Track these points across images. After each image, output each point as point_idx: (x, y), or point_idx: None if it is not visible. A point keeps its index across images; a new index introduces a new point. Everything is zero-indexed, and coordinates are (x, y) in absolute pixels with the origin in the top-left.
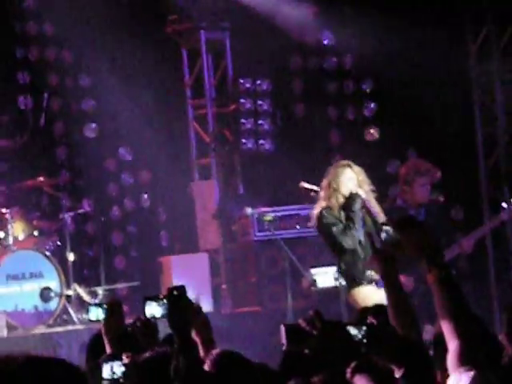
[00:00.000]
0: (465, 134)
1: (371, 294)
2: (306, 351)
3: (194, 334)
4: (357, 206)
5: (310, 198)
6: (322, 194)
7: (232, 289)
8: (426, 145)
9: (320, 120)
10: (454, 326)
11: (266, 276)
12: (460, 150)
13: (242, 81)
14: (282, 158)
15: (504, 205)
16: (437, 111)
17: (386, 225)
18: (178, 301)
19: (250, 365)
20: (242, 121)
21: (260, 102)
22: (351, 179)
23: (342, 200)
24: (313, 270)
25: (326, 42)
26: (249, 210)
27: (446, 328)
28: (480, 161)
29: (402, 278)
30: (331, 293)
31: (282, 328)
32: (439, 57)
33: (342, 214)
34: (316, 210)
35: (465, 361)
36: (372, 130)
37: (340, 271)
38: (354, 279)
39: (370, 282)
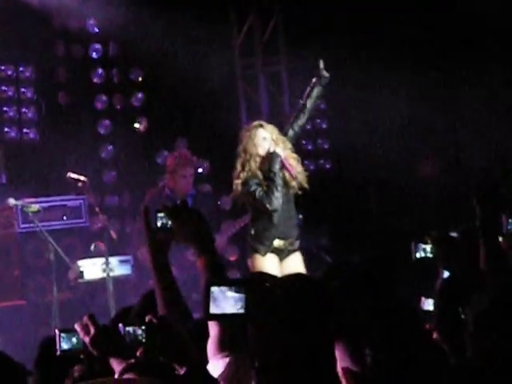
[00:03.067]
0: (231, 125)
1: (270, 266)
2: (81, 356)
3: None
4: (276, 166)
5: (77, 189)
6: (238, 160)
7: None
8: (194, 136)
9: (87, 109)
10: None
11: (31, 268)
12: (227, 140)
13: (3, 67)
14: (48, 148)
15: None
16: (205, 102)
17: (159, 212)
18: None
19: (13, 364)
20: (5, 109)
21: (23, 90)
22: (266, 139)
23: (259, 161)
24: (80, 262)
25: (90, 30)
26: (12, 201)
27: None
28: None
29: None
30: (98, 284)
31: (57, 332)
32: (206, 47)
33: (261, 175)
34: (238, 180)
35: (223, 347)
36: (140, 121)
37: (250, 236)
38: (259, 246)
39: (275, 251)
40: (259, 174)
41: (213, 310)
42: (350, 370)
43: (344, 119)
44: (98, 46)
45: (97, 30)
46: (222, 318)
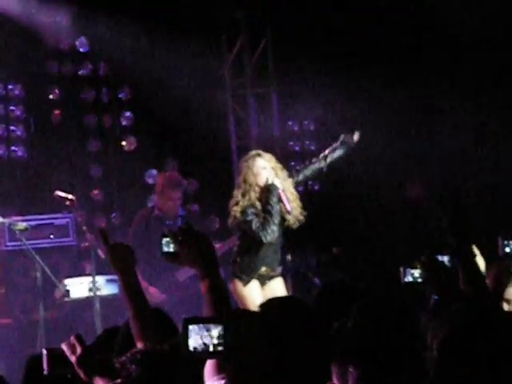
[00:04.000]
0: (220, 145)
1: (252, 292)
2: (69, 376)
3: None
4: (274, 199)
5: (64, 207)
6: (238, 191)
7: None
8: (183, 155)
9: (76, 128)
10: None
11: (17, 287)
12: (215, 161)
13: None
14: (36, 166)
15: None
16: (194, 122)
17: (165, 236)
18: None
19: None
20: None
21: (12, 108)
22: (265, 168)
23: (258, 191)
24: (66, 281)
25: (81, 49)
26: None
27: None
28: (234, 172)
29: (152, 290)
30: (85, 303)
31: (44, 352)
32: (196, 67)
33: (259, 205)
34: (237, 208)
35: (220, 369)
36: (129, 140)
37: (235, 262)
38: (242, 275)
39: (257, 276)
40: (258, 204)
41: (191, 347)
42: None
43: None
44: (87, 64)
45: (87, 49)
46: (200, 356)
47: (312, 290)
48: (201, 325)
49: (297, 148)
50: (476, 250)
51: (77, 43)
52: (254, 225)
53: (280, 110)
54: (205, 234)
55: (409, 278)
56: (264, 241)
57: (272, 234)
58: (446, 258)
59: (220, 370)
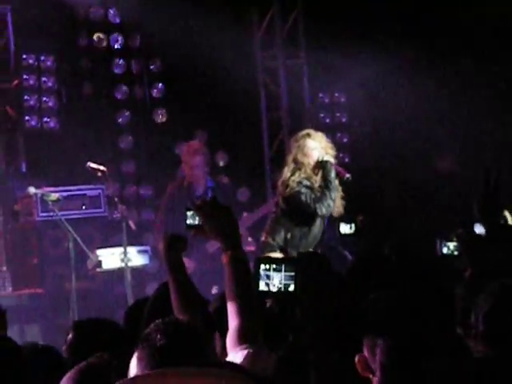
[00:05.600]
0: (251, 117)
1: None
2: None
3: None
4: (332, 174)
5: (96, 178)
6: (287, 169)
7: (12, 270)
8: (214, 127)
9: (107, 99)
10: (240, 305)
11: (49, 257)
12: (246, 133)
13: (24, 56)
14: (68, 137)
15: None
16: (224, 93)
17: (189, 210)
18: None
19: (22, 353)
20: (25, 97)
21: (44, 79)
22: (315, 149)
23: (311, 168)
24: (98, 251)
25: (112, 20)
26: (32, 190)
27: (231, 307)
28: (264, 144)
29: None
30: (116, 274)
31: None
32: (227, 39)
33: (317, 181)
34: (295, 178)
35: (243, 339)
36: (159, 112)
37: (283, 239)
38: (293, 252)
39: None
40: (315, 178)
41: (262, 287)
42: (362, 357)
43: (364, 113)
44: (119, 36)
45: (118, 21)
46: (271, 296)
47: (343, 263)
48: (272, 265)
49: (327, 120)
50: (508, 216)
51: (108, 14)
52: (309, 197)
53: (311, 82)
54: (228, 207)
55: (444, 251)
56: (319, 213)
57: (329, 208)
58: (478, 226)
59: (242, 340)
